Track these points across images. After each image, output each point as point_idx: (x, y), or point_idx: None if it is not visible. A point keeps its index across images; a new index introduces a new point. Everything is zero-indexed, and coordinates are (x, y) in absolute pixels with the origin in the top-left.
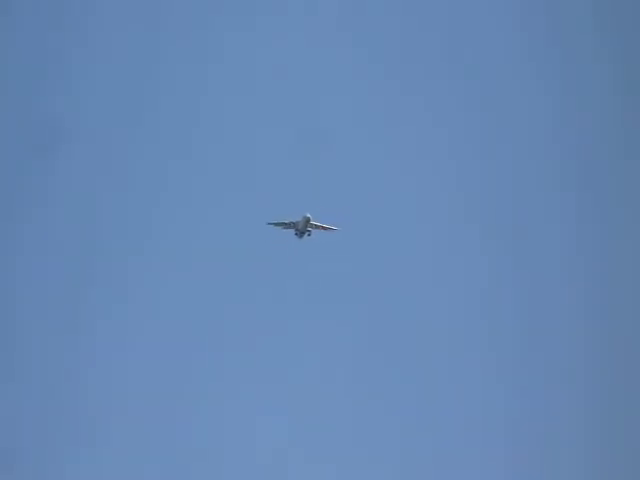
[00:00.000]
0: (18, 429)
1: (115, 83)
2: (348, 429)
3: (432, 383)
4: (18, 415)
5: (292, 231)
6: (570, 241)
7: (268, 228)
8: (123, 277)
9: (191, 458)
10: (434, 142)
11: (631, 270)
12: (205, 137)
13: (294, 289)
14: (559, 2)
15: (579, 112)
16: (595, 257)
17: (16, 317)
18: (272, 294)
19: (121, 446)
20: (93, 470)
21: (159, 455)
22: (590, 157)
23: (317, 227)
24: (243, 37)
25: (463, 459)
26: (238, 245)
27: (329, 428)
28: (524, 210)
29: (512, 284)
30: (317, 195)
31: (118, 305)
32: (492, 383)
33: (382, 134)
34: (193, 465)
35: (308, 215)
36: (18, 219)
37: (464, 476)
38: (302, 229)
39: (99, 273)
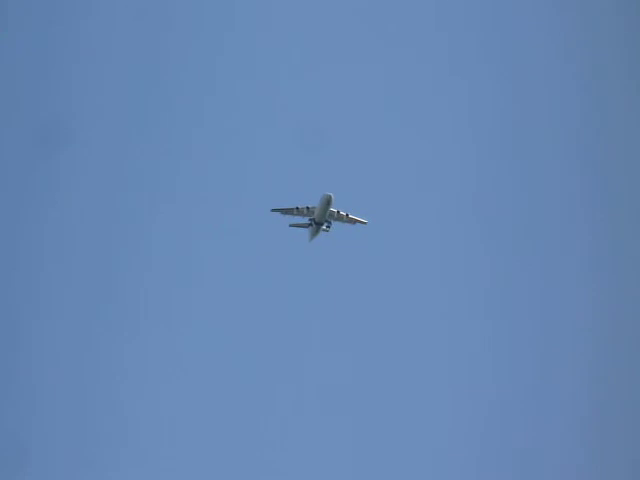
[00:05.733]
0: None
1: (120, 82)
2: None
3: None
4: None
5: (298, 223)
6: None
7: (272, 220)
8: (129, 274)
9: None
10: (435, 139)
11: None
12: (208, 134)
13: (303, 291)
14: None
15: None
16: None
17: (21, 317)
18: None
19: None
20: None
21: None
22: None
23: (340, 217)
24: (243, 36)
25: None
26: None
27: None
28: (529, 205)
29: (519, 283)
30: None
31: (126, 302)
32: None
33: (384, 130)
34: None
35: (330, 194)
36: (25, 218)
37: None
38: (320, 218)
39: (108, 270)
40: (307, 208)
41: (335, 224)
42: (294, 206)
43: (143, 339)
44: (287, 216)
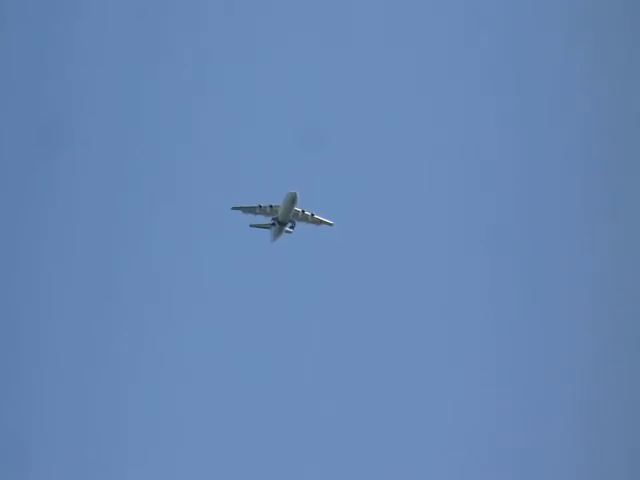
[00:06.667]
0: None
1: (119, 82)
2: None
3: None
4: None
5: (259, 224)
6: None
7: (232, 219)
8: (128, 274)
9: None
10: (436, 139)
11: None
12: (207, 134)
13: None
14: None
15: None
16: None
17: (21, 317)
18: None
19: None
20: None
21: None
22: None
23: (305, 218)
24: (243, 36)
25: None
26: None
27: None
28: (528, 205)
29: (518, 283)
30: (314, 193)
31: (126, 302)
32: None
33: (382, 131)
34: None
35: (294, 192)
36: (25, 218)
37: None
38: (284, 218)
39: (107, 270)
40: (270, 207)
41: (299, 225)
42: (257, 204)
43: (142, 339)
44: (249, 215)
